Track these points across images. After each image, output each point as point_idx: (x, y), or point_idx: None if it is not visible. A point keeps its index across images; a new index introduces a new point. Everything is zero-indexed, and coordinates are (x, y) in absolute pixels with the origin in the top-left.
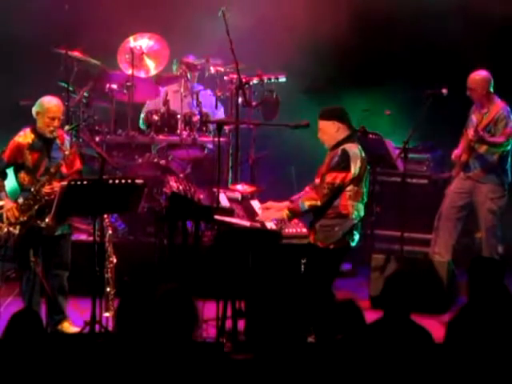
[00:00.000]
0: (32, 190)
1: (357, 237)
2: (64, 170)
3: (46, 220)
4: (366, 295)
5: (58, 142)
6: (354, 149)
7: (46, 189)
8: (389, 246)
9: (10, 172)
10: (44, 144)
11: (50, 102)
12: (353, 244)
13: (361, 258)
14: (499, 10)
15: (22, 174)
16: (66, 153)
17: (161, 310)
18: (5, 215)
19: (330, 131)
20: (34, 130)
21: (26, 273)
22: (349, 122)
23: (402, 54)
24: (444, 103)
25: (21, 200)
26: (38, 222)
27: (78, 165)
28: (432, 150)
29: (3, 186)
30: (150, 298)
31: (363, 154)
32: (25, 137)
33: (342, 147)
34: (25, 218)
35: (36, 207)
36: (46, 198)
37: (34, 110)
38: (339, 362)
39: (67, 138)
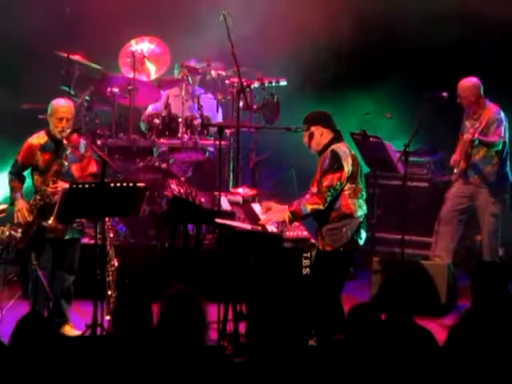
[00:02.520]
0: (43, 189)
1: (364, 235)
2: (76, 172)
3: (49, 221)
4: (366, 298)
5: (64, 142)
6: (343, 148)
7: (50, 187)
8: (389, 248)
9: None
10: (56, 146)
11: (58, 103)
12: (361, 243)
13: (361, 261)
14: (500, 14)
15: (36, 176)
16: (67, 153)
17: (168, 313)
18: (15, 215)
19: (314, 136)
20: (48, 132)
21: (31, 276)
22: (332, 126)
23: (403, 57)
24: (445, 106)
25: (32, 200)
26: (43, 222)
27: (92, 168)
28: (433, 154)
29: (19, 188)
30: (151, 301)
31: (352, 152)
32: (38, 138)
33: (330, 149)
34: (32, 218)
35: (39, 206)
36: (51, 197)
37: (47, 113)
38: (341, 364)
39: (83, 142)
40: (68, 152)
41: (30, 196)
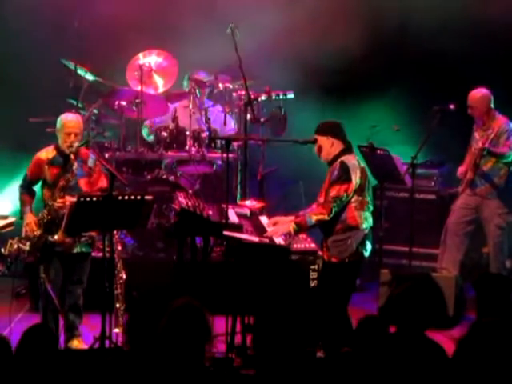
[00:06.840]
0: (50, 203)
1: (369, 247)
2: (84, 187)
3: (56, 236)
4: (374, 310)
5: (71, 157)
6: (352, 160)
7: (58, 202)
8: (397, 261)
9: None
10: (64, 160)
11: (66, 118)
12: (366, 254)
13: (369, 273)
14: (510, 26)
15: (45, 190)
16: (74, 168)
17: (172, 325)
18: (24, 229)
19: (325, 146)
20: (57, 147)
21: (41, 289)
22: (343, 137)
23: (410, 68)
24: (452, 118)
25: (40, 214)
26: (49, 236)
27: (102, 183)
28: (440, 166)
29: (29, 201)
30: (161, 314)
31: (362, 164)
32: (46, 152)
33: (339, 160)
34: (40, 232)
35: (45, 220)
36: (59, 211)
37: (56, 127)
38: (349, 377)
39: (92, 156)
40: (75, 167)
41: (40, 209)
